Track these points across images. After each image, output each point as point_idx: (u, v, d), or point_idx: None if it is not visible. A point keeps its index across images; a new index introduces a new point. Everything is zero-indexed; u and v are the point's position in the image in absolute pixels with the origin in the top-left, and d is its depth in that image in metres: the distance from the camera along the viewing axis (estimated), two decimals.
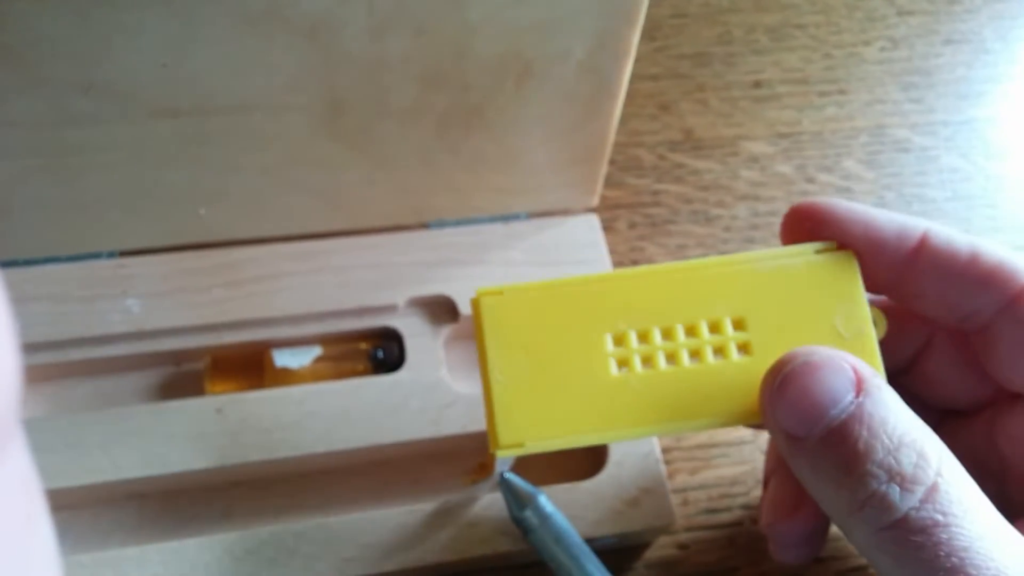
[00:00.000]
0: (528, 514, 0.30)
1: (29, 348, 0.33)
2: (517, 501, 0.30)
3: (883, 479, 0.18)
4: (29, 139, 0.31)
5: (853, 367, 0.20)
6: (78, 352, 0.34)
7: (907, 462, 0.18)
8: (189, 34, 0.28)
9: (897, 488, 0.18)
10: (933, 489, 0.18)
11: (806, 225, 0.24)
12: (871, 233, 0.23)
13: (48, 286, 0.34)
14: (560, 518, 0.30)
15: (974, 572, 0.17)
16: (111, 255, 0.35)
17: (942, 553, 0.18)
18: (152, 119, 0.31)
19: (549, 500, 0.30)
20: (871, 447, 0.19)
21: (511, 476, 0.30)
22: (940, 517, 0.18)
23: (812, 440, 0.19)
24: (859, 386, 0.19)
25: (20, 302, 0.34)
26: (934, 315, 0.24)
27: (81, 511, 0.32)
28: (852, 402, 0.19)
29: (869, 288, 0.23)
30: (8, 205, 0.33)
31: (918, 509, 0.18)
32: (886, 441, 0.19)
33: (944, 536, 0.18)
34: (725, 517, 0.34)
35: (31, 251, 0.35)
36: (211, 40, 0.29)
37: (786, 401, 0.20)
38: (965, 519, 0.18)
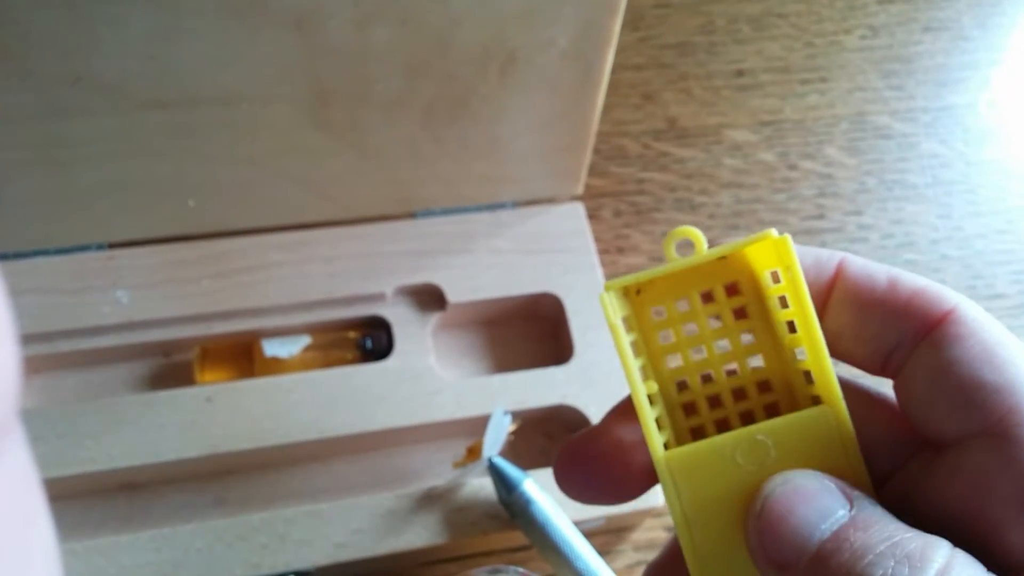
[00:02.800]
0: (516, 497, 0.30)
1: (20, 340, 0.33)
2: (505, 485, 0.30)
3: None
4: (17, 132, 0.31)
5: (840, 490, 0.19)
6: (68, 344, 0.34)
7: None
8: (176, 26, 0.29)
9: None
10: None
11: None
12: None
13: (38, 279, 0.34)
14: (548, 501, 0.30)
15: None
16: (100, 247, 0.35)
17: None
18: (140, 111, 0.31)
19: (536, 483, 0.31)
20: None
21: (499, 460, 0.31)
22: None
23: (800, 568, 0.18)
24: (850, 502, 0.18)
25: (10, 295, 0.34)
26: (855, 358, 0.21)
27: (73, 500, 0.32)
28: (845, 514, 0.18)
29: None
30: None
31: None
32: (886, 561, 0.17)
33: None
34: None
35: (20, 244, 0.35)
36: (197, 32, 0.29)
37: (768, 529, 0.18)
38: None
